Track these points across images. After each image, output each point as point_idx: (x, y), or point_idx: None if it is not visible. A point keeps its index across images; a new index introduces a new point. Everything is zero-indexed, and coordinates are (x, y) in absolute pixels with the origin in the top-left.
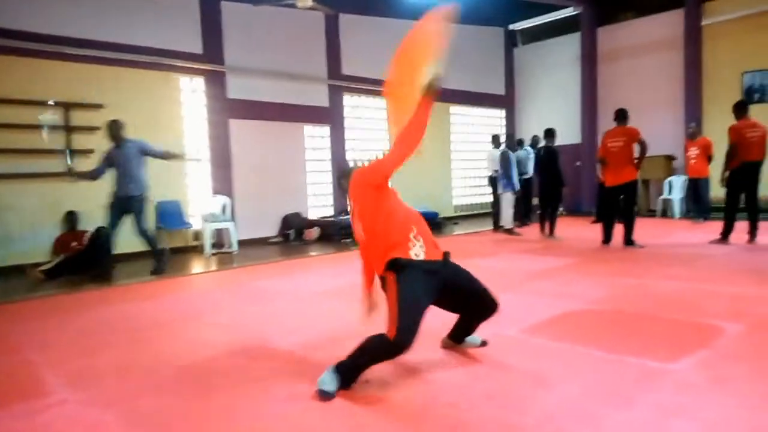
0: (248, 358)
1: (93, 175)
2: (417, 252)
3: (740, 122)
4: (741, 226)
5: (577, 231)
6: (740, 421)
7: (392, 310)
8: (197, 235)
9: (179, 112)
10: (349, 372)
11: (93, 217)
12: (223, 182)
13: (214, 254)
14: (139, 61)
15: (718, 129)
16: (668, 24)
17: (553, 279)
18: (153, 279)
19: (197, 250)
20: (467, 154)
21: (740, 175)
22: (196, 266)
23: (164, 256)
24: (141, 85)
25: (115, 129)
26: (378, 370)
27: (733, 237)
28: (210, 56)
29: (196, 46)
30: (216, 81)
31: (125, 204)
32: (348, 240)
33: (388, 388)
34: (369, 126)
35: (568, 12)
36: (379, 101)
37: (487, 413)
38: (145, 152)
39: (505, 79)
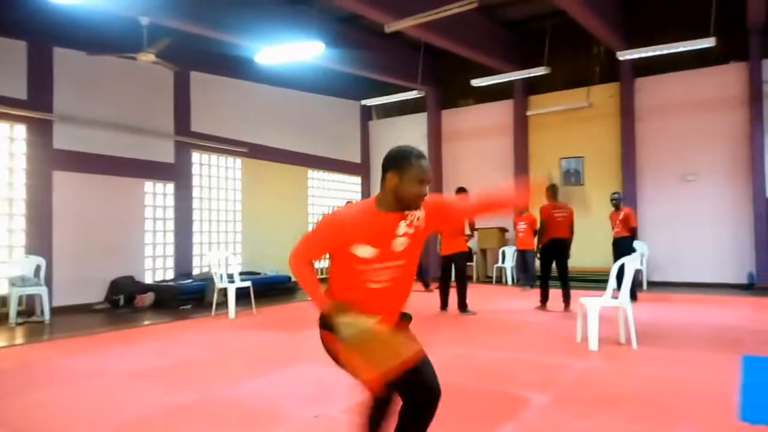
0: None
1: None
2: None
3: (549, 204)
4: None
5: (422, 296)
6: None
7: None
8: (2, 302)
9: None
10: None
11: None
12: (41, 240)
13: (20, 323)
14: None
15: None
16: (501, 112)
17: None
18: None
19: (1, 318)
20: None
21: (550, 250)
22: None
23: None
24: None
25: None
26: None
27: (552, 303)
28: (35, 103)
29: (20, 92)
30: (41, 129)
31: None
32: (187, 307)
33: None
34: (220, 185)
35: (412, 95)
36: (231, 161)
37: None
38: None
39: (361, 148)
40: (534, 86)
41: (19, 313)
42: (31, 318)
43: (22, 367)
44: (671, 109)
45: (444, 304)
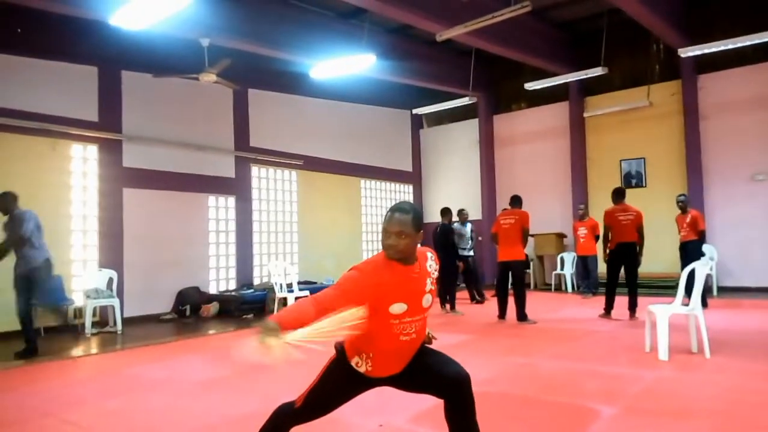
0: None
1: None
2: (358, 362)
3: (614, 207)
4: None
5: (477, 306)
6: None
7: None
8: (78, 313)
9: (68, 181)
10: None
11: None
12: (112, 254)
13: (94, 334)
14: (27, 127)
15: (603, 210)
16: (556, 114)
17: None
18: (16, 365)
19: (77, 329)
20: (377, 227)
21: (617, 255)
22: (74, 348)
23: (34, 337)
24: (27, 152)
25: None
26: None
27: (617, 312)
28: (106, 124)
29: (92, 114)
30: (111, 149)
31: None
32: (249, 316)
33: None
34: (277, 198)
35: (464, 101)
36: (288, 174)
37: None
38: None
39: (412, 157)
40: (590, 87)
41: (94, 324)
42: (104, 328)
43: (99, 376)
44: (737, 106)
45: (502, 313)
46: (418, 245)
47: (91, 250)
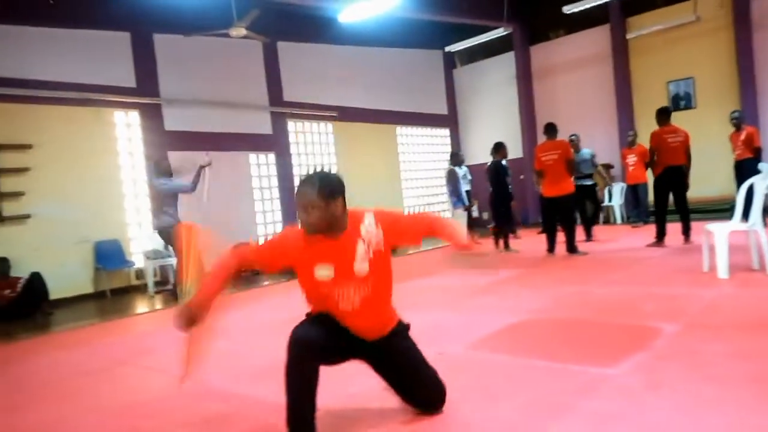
0: (193, 400)
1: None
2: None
3: (661, 128)
4: (678, 228)
5: (526, 242)
6: (676, 423)
7: None
8: (139, 274)
9: (114, 148)
10: (296, 423)
11: (25, 262)
12: None
13: (157, 292)
14: (69, 98)
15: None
16: (596, 39)
17: (497, 293)
18: (91, 323)
19: (140, 289)
20: (416, 173)
21: (665, 179)
22: (139, 307)
23: None
24: (72, 122)
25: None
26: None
27: (670, 239)
28: (144, 89)
29: (130, 80)
30: (152, 114)
31: None
32: None
33: (335, 415)
34: (315, 151)
35: (498, 33)
36: (323, 126)
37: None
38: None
39: (447, 99)
40: (632, 6)
41: (156, 284)
42: (165, 287)
43: (167, 328)
44: None
45: (551, 247)
46: (346, 210)
47: (145, 213)
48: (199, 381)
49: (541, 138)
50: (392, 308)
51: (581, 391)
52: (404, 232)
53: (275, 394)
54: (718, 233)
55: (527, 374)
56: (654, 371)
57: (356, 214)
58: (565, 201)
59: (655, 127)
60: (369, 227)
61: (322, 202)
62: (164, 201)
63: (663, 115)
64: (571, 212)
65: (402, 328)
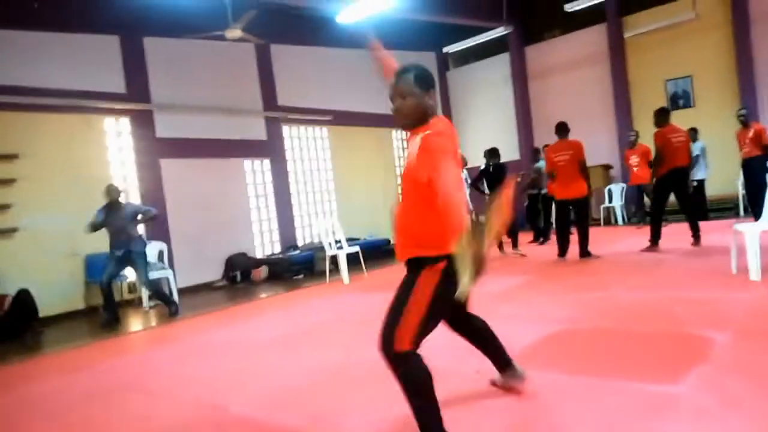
0: (212, 428)
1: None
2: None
3: (665, 128)
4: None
5: (525, 247)
6: None
7: (413, 315)
8: (132, 288)
9: (104, 157)
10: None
11: (12, 278)
12: (159, 227)
13: (152, 307)
14: (56, 105)
15: (649, 136)
16: (593, 39)
17: (517, 300)
18: (86, 344)
19: (133, 304)
20: None
21: (669, 182)
22: (134, 323)
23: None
24: (60, 130)
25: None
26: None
27: (673, 240)
28: (135, 95)
29: (120, 86)
30: (143, 120)
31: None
32: (299, 277)
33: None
34: (311, 156)
35: (496, 33)
36: (318, 131)
37: None
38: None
39: (440, 100)
40: (629, 4)
41: (150, 297)
42: (158, 301)
43: (167, 344)
44: None
45: (563, 252)
46: (435, 111)
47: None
48: (217, 407)
49: (539, 139)
50: (427, 238)
51: (653, 412)
52: (416, 168)
53: (294, 418)
54: (749, 234)
55: (584, 394)
56: (724, 387)
57: (437, 120)
58: (580, 204)
59: (653, 126)
60: (419, 140)
61: (418, 89)
62: (129, 226)
63: (663, 116)
64: (586, 215)
65: (429, 263)
